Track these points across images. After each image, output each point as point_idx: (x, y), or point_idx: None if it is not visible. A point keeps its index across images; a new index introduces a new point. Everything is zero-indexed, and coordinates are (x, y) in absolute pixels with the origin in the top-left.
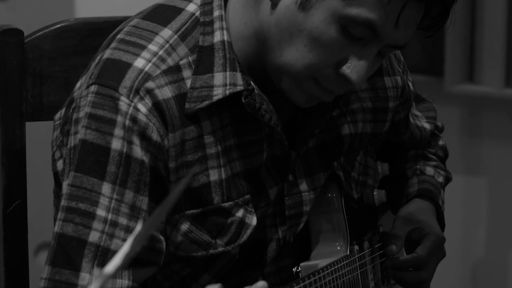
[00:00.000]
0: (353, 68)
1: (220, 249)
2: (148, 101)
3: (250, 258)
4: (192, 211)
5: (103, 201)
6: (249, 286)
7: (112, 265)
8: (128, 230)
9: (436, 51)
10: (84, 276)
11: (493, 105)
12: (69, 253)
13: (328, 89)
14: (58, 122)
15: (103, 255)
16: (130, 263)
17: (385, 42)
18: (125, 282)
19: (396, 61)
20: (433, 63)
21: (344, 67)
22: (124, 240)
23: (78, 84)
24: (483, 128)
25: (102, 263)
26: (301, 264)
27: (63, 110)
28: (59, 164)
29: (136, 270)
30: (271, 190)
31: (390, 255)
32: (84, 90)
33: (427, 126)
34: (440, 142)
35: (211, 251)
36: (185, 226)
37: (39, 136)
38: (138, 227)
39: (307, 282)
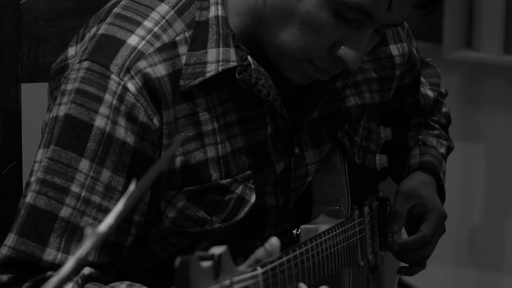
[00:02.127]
0: (347, 51)
1: (216, 225)
2: (138, 80)
3: (249, 226)
4: (188, 188)
5: (79, 177)
6: (263, 247)
7: (106, 223)
8: (100, 209)
9: (434, 17)
10: (50, 252)
11: (492, 71)
12: (38, 226)
13: (324, 70)
14: (52, 83)
15: (72, 231)
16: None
17: (380, 24)
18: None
19: (400, 28)
20: (432, 29)
21: (339, 50)
22: (94, 218)
23: (73, 51)
24: (482, 95)
25: (70, 239)
26: (301, 226)
27: (57, 69)
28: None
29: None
30: (278, 165)
31: (392, 233)
32: (76, 63)
33: (430, 93)
34: (444, 109)
35: (207, 227)
36: (180, 203)
37: (35, 98)
38: (111, 205)
39: (309, 246)
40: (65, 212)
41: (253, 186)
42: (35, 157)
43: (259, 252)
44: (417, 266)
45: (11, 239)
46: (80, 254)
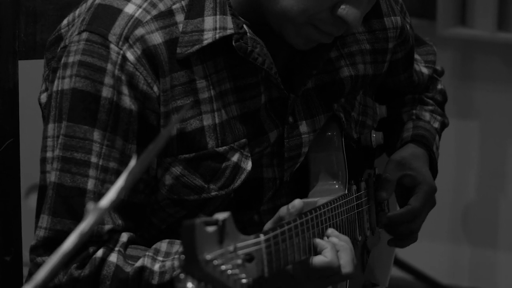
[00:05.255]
0: (348, 10)
1: (213, 193)
2: (137, 49)
3: (246, 198)
4: (185, 155)
5: (95, 147)
6: (286, 207)
7: (107, 199)
8: (119, 174)
9: None
10: None
11: (485, 48)
12: (70, 203)
13: (327, 32)
14: (47, 54)
15: (98, 200)
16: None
17: None
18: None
19: (393, 2)
20: (426, 7)
21: (339, 10)
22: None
23: (65, 21)
24: (475, 72)
25: None
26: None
27: (52, 39)
28: (43, 97)
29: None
30: (272, 133)
31: (380, 200)
32: (75, 35)
33: (425, 70)
34: (439, 86)
35: (204, 195)
36: (177, 170)
37: (32, 75)
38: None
39: (309, 217)
40: (91, 184)
41: (249, 154)
42: (46, 132)
43: (282, 210)
44: (406, 239)
45: (45, 220)
46: (82, 229)
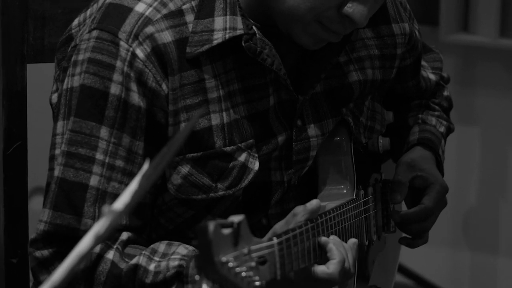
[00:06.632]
0: (355, 8)
1: (221, 193)
2: (146, 46)
3: (254, 201)
4: (192, 154)
5: (102, 144)
6: (303, 205)
7: (121, 202)
8: (125, 172)
9: (431, 0)
10: (86, 222)
11: (488, 55)
12: (71, 198)
13: (334, 31)
14: (58, 54)
15: (102, 198)
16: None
17: None
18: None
19: (402, 9)
20: (428, 13)
21: (346, 8)
22: (120, 182)
23: (76, 21)
24: (477, 78)
25: (101, 206)
26: None
27: (63, 39)
28: (54, 97)
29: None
30: (280, 136)
31: (394, 203)
32: (86, 33)
33: (432, 77)
34: (445, 93)
35: (212, 194)
36: (185, 169)
37: (40, 78)
38: (135, 169)
39: (319, 221)
40: (94, 180)
41: (256, 155)
42: (55, 130)
43: (298, 208)
44: (418, 238)
45: (46, 214)
46: (98, 232)
